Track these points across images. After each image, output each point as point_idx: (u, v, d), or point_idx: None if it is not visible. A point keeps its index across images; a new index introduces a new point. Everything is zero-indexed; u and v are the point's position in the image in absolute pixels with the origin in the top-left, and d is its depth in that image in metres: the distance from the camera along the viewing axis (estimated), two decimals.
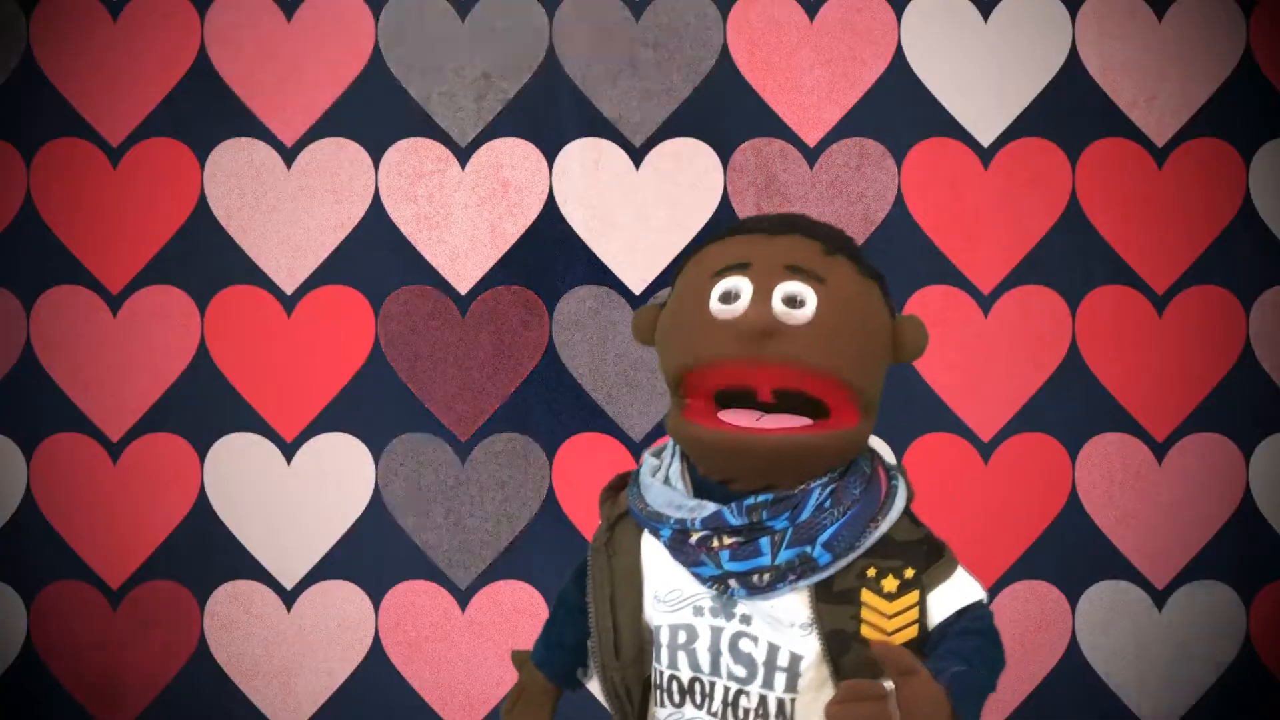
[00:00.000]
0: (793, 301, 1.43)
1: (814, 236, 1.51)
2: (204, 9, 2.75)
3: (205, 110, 2.76)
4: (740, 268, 1.47)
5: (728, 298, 1.45)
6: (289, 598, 2.76)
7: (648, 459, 1.58)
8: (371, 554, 2.76)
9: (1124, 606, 2.76)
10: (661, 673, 1.53)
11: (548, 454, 2.76)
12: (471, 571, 2.76)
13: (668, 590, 1.53)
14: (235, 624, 2.76)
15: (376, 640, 2.76)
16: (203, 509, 2.76)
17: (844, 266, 1.49)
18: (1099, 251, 2.76)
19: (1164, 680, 2.77)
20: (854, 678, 1.37)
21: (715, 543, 1.46)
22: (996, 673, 1.47)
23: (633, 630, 1.55)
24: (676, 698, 1.52)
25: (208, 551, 2.76)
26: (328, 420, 2.76)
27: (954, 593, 1.47)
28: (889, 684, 1.35)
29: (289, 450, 2.76)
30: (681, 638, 1.51)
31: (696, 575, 1.49)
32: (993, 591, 2.73)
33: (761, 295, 1.43)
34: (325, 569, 2.76)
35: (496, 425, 2.76)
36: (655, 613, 1.54)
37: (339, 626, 2.77)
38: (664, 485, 1.53)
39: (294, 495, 2.76)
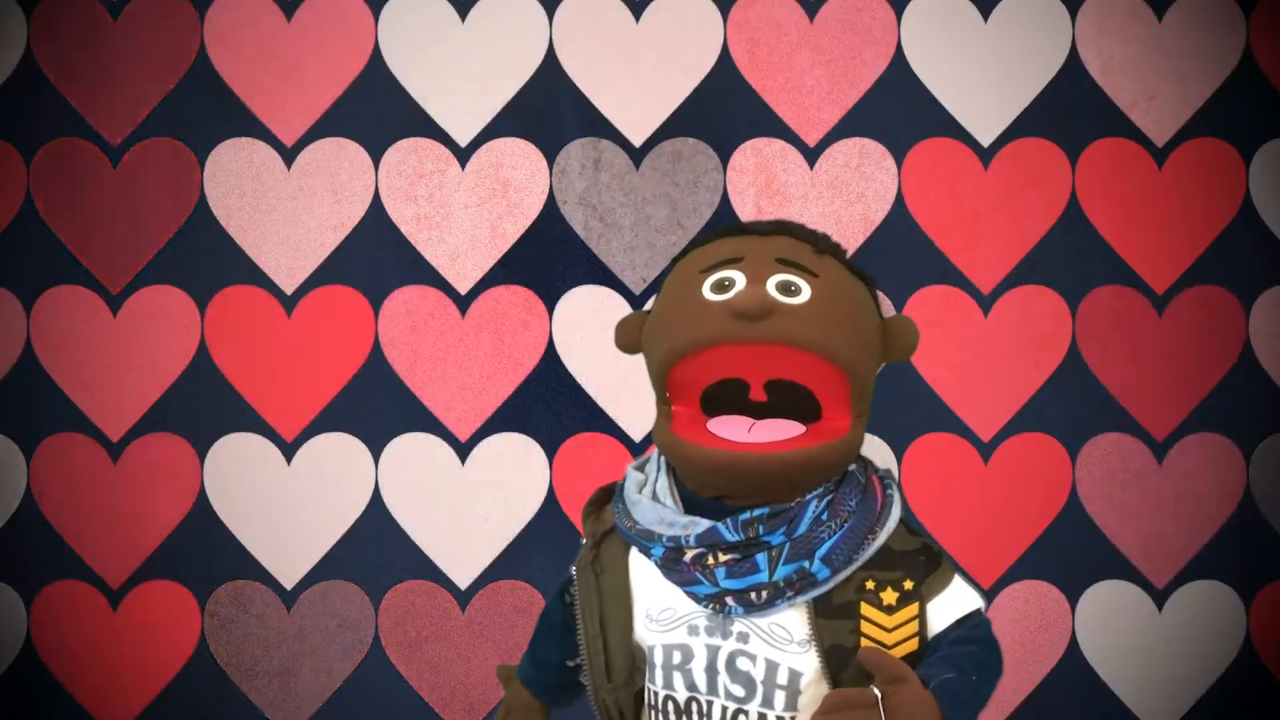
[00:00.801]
0: (787, 289, 1.42)
1: (803, 239, 1.50)
2: (204, 9, 2.75)
3: (205, 110, 2.75)
4: (733, 261, 1.45)
5: (721, 286, 1.43)
6: (289, 598, 2.77)
7: (631, 474, 1.55)
8: (371, 554, 2.76)
9: (1124, 606, 2.76)
10: (656, 693, 1.50)
11: (548, 454, 2.76)
12: (471, 571, 2.76)
13: (660, 609, 1.50)
14: (235, 624, 2.76)
15: (376, 640, 2.77)
16: (203, 509, 2.76)
17: (834, 265, 1.48)
18: (1099, 251, 2.75)
19: (1164, 680, 2.76)
20: None
21: (711, 560, 1.43)
22: (992, 680, 1.46)
23: (624, 651, 1.52)
24: (672, 718, 1.49)
25: (208, 551, 2.76)
26: (328, 420, 2.76)
27: (952, 602, 1.46)
28: (878, 691, 1.35)
29: (289, 450, 2.76)
30: (676, 658, 1.48)
31: (691, 594, 1.46)
32: (993, 591, 2.73)
33: (756, 282, 1.42)
34: (325, 569, 2.76)
35: (496, 425, 2.76)
36: (648, 632, 1.51)
37: (339, 626, 2.77)
38: (652, 501, 1.49)
39: (294, 495, 2.76)
